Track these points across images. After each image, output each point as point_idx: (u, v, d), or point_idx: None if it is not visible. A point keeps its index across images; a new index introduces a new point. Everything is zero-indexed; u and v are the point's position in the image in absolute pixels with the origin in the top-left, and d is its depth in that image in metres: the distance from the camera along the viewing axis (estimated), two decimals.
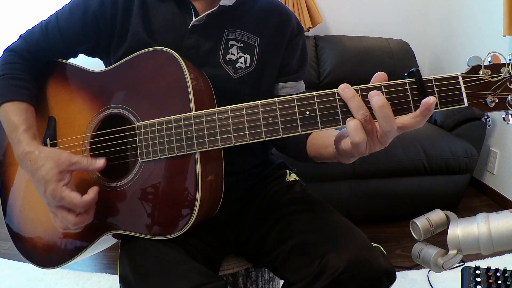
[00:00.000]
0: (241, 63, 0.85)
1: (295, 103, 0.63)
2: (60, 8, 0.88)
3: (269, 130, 0.64)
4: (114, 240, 0.86)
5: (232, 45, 0.84)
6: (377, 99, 0.57)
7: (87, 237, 0.80)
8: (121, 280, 0.74)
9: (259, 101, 0.65)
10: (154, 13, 0.83)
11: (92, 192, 0.72)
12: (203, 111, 0.69)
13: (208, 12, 0.81)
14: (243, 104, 0.66)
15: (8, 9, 2.62)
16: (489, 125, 0.67)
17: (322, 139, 0.77)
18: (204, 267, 0.72)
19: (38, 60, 0.88)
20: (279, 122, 0.63)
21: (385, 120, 0.57)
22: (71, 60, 0.92)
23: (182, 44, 0.82)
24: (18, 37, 0.89)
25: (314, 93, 0.62)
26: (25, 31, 0.90)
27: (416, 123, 0.58)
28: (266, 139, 0.65)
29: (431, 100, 0.56)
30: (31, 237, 0.88)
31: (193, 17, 0.83)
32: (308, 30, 2.64)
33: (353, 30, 2.68)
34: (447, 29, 2.74)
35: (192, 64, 0.77)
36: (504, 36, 1.96)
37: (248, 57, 0.85)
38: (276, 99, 0.64)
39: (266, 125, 0.64)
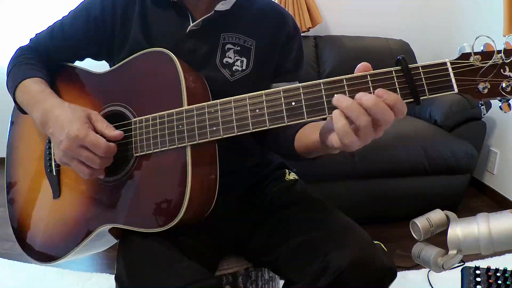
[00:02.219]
0: (238, 66, 0.86)
1: (281, 94, 0.63)
2: (66, 14, 0.92)
3: (256, 122, 0.65)
4: (115, 241, 0.87)
5: (229, 49, 0.86)
6: (366, 98, 0.55)
7: (84, 230, 0.82)
8: (116, 278, 0.75)
9: (247, 94, 0.66)
10: (153, 19, 0.86)
11: (116, 135, 0.75)
12: (194, 105, 0.71)
13: (204, 17, 0.82)
14: (232, 97, 0.67)
15: (20, 16, 2.68)
16: (484, 114, 0.65)
17: (307, 136, 0.76)
18: (198, 265, 0.72)
19: (46, 61, 0.92)
20: (266, 114, 0.64)
21: (382, 114, 0.55)
22: (77, 62, 0.95)
23: (180, 49, 0.83)
24: (28, 40, 0.95)
25: (300, 84, 0.62)
26: (34, 35, 0.95)
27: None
28: (253, 130, 0.66)
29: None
30: (33, 232, 0.90)
31: (190, 22, 0.84)
32: (308, 30, 2.64)
33: (353, 30, 2.68)
34: (447, 29, 2.74)
35: (189, 66, 0.79)
36: (504, 36, 1.96)
37: (245, 60, 0.86)
38: (263, 91, 0.65)
39: (253, 117, 0.65)
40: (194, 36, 0.85)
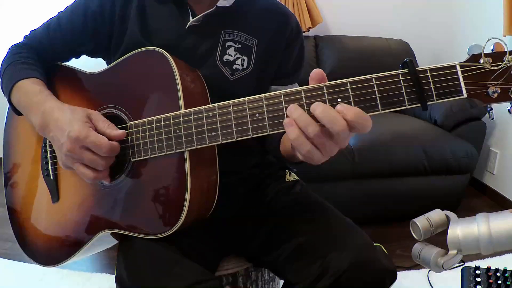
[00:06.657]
0: (238, 64, 0.84)
1: (282, 99, 0.60)
2: (62, 10, 0.89)
3: (256, 127, 0.62)
4: (115, 241, 0.87)
5: (230, 46, 0.84)
6: (314, 107, 0.55)
7: (84, 235, 0.81)
8: (116, 279, 0.74)
9: (246, 98, 0.63)
10: (151, 14, 0.84)
11: (119, 134, 0.72)
12: (192, 109, 0.68)
13: (205, 12, 0.81)
14: (230, 101, 0.65)
15: (12, 13, 2.65)
16: (493, 118, 0.60)
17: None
18: (199, 266, 0.72)
19: (41, 58, 0.89)
20: (266, 119, 0.61)
21: (331, 123, 0.53)
22: (72, 61, 0.93)
23: (179, 45, 0.82)
24: (23, 37, 0.92)
25: (302, 88, 0.59)
26: (28, 32, 0.92)
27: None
28: (254, 136, 0.63)
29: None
30: (33, 235, 0.90)
31: (191, 17, 0.83)
32: (308, 30, 2.64)
33: (353, 30, 2.68)
34: (447, 29, 2.74)
35: (186, 64, 0.77)
36: (504, 36, 1.96)
37: (246, 58, 0.85)
38: (263, 95, 0.62)
39: (253, 122, 0.62)
40: (194, 32, 0.83)
